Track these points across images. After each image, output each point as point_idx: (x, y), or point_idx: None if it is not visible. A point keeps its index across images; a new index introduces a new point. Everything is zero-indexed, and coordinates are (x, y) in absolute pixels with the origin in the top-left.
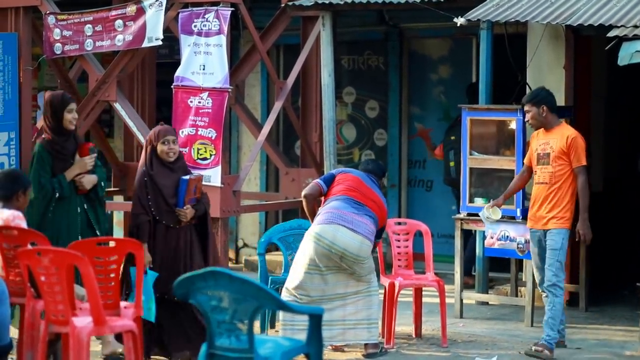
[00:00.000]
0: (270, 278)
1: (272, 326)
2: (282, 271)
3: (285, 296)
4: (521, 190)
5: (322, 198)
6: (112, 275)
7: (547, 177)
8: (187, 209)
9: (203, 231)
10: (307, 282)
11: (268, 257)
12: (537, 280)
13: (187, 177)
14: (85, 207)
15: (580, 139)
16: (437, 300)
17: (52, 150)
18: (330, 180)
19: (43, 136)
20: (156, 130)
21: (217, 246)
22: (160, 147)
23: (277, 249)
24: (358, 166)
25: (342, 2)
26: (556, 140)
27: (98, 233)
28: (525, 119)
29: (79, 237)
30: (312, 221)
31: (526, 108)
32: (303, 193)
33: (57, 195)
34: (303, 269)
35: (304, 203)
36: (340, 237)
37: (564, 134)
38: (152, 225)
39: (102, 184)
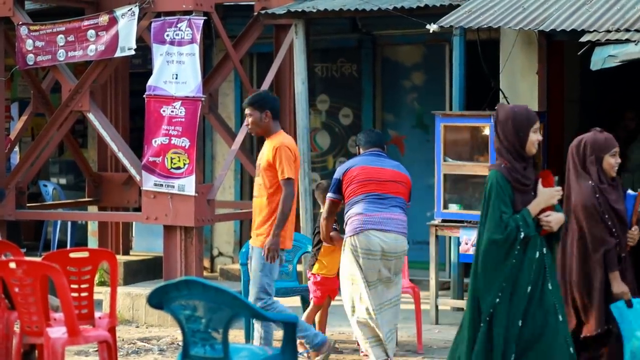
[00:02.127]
0: None
1: None
2: None
3: (359, 317)
4: None
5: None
6: (86, 285)
7: (256, 189)
8: (635, 231)
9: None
10: (359, 295)
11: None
12: None
13: (632, 192)
14: (544, 251)
15: (286, 149)
16: (413, 306)
17: (512, 180)
18: (339, 186)
19: (499, 162)
20: (601, 138)
21: (195, 255)
22: (607, 160)
23: None
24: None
25: (314, 10)
26: (265, 150)
27: (550, 286)
28: (245, 123)
29: (537, 288)
30: (331, 241)
31: (247, 111)
32: (323, 216)
33: (522, 235)
34: (347, 283)
35: (325, 228)
36: (374, 242)
37: (271, 143)
38: None
39: (566, 223)
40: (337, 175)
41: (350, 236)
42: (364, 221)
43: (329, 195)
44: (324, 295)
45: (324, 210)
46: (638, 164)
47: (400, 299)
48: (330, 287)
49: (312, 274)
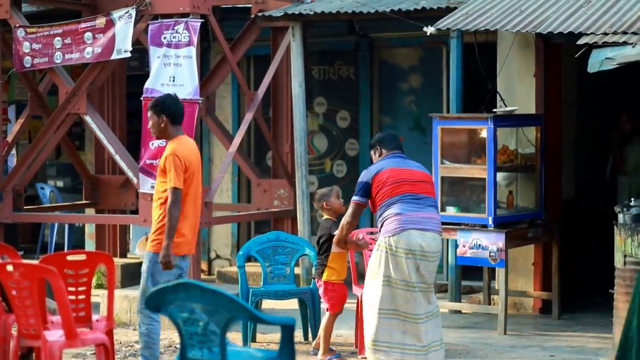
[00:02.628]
0: (250, 290)
1: (254, 339)
2: (262, 283)
3: (370, 312)
4: (494, 198)
5: (371, 206)
6: (83, 288)
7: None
8: None
9: None
10: (386, 295)
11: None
12: None
13: None
14: None
15: (176, 158)
16: None
17: None
18: (367, 189)
19: None
20: None
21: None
22: None
23: (249, 260)
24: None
25: (311, 13)
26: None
27: None
28: (148, 126)
29: None
30: (344, 244)
31: (148, 114)
32: (347, 220)
33: None
34: (379, 282)
35: (345, 231)
36: (414, 241)
37: (166, 151)
38: None
39: None
40: (364, 179)
41: (390, 236)
42: (403, 221)
43: (356, 198)
44: (341, 302)
45: (347, 213)
46: (634, 167)
47: (438, 311)
48: (343, 292)
49: (325, 281)
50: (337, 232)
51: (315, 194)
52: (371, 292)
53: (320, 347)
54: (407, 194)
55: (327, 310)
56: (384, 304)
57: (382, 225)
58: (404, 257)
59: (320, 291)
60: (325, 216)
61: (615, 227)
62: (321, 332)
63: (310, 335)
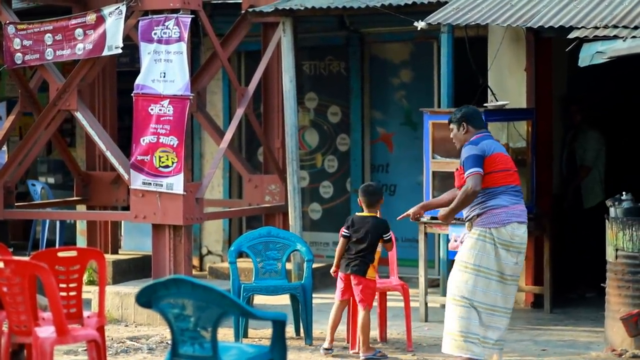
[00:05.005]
0: (242, 285)
1: (245, 335)
2: (253, 278)
3: (455, 304)
4: None
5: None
6: (74, 285)
7: None
8: None
9: None
10: (481, 287)
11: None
12: None
13: None
14: None
15: None
16: (402, 304)
17: None
18: (482, 163)
19: None
20: None
21: (184, 254)
22: None
23: (241, 255)
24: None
25: (302, 8)
26: None
27: None
28: None
29: None
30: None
31: None
32: (475, 189)
33: None
34: (475, 273)
35: (470, 202)
36: (517, 233)
37: None
38: None
39: None
40: (478, 152)
41: (496, 227)
42: (509, 213)
43: (479, 169)
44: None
45: (472, 184)
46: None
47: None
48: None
49: (367, 279)
50: (456, 203)
51: (370, 186)
52: (458, 283)
53: (361, 343)
54: (511, 185)
55: (363, 308)
56: (479, 296)
57: (481, 214)
58: (506, 249)
59: (359, 288)
60: (375, 213)
61: (607, 221)
62: (360, 329)
63: (302, 330)
